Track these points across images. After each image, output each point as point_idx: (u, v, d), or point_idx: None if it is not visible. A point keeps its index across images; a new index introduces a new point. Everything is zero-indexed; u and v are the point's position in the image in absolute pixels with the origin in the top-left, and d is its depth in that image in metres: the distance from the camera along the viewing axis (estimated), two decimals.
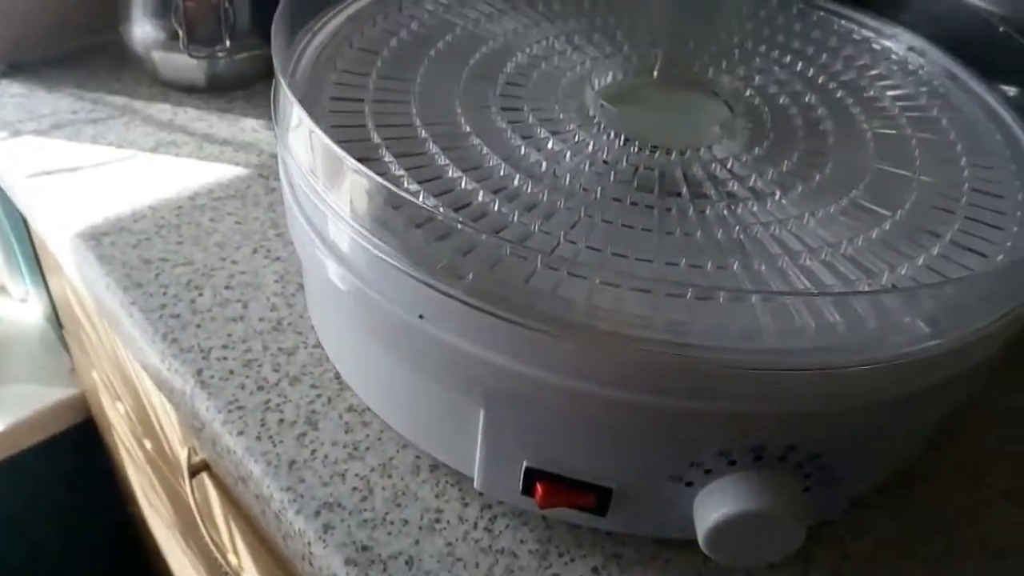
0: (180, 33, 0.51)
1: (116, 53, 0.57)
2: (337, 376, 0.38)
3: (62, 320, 0.79)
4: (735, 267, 0.30)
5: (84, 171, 0.49)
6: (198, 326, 0.41)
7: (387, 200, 0.28)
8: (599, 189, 0.33)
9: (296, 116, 0.30)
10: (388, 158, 0.33)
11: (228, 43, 0.52)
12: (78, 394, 0.84)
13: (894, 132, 0.38)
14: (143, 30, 0.53)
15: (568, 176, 0.33)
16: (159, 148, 0.51)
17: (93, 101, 0.54)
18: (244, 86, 0.55)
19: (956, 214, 0.34)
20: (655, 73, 0.40)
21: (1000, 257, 0.31)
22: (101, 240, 0.44)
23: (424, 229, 0.30)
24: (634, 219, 0.32)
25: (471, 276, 0.27)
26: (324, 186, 0.30)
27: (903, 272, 0.30)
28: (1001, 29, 0.40)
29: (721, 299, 0.27)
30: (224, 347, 0.40)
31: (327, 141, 0.28)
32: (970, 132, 0.38)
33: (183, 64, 0.52)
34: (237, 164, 0.50)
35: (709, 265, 0.30)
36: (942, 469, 0.38)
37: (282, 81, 0.31)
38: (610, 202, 0.33)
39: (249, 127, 0.53)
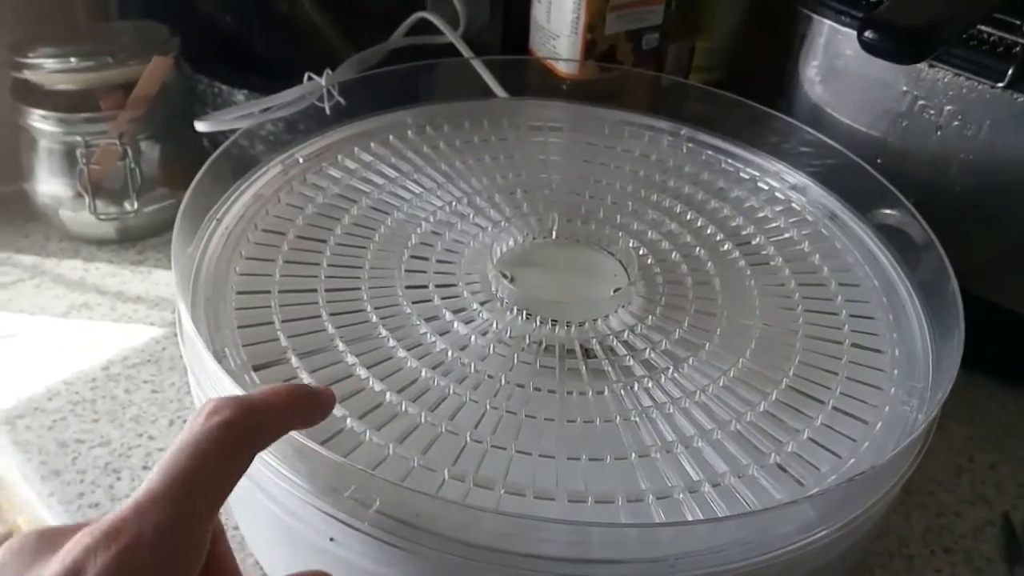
0: (86, 196, 0.51)
1: (23, 205, 0.57)
2: (258, 562, 0.38)
3: None
4: (632, 457, 0.32)
5: None
6: None
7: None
8: (503, 377, 0.34)
9: (199, 360, 0.31)
10: (295, 362, 0.34)
11: (136, 204, 0.52)
12: None
13: (780, 286, 0.40)
14: (49, 189, 0.52)
15: (473, 365, 0.34)
16: (71, 312, 0.50)
17: (1, 262, 0.53)
18: (156, 234, 0.55)
19: (838, 375, 0.36)
20: (553, 234, 0.42)
21: (879, 424, 0.34)
22: (15, 424, 0.44)
23: (331, 444, 0.31)
24: (537, 407, 0.33)
25: (378, 503, 0.28)
26: None
27: (790, 449, 0.32)
28: (868, 168, 0.43)
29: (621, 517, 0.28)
30: None
31: (230, 386, 0.29)
32: (850, 278, 0.41)
33: (91, 221, 0.52)
34: (151, 323, 0.50)
35: (608, 458, 0.31)
36: None
37: (185, 314, 0.32)
38: (514, 389, 0.34)
39: (163, 280, 0.53)
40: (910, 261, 0.40)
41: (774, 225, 0.44)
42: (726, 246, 0.42)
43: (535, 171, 0.47)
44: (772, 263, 0.41)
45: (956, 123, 0.47)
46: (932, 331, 0.37)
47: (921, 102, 0.47)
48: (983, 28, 0.45)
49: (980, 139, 0.46)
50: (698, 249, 0.42)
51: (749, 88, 0.63)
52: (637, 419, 0.33)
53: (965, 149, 0.47)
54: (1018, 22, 0.45)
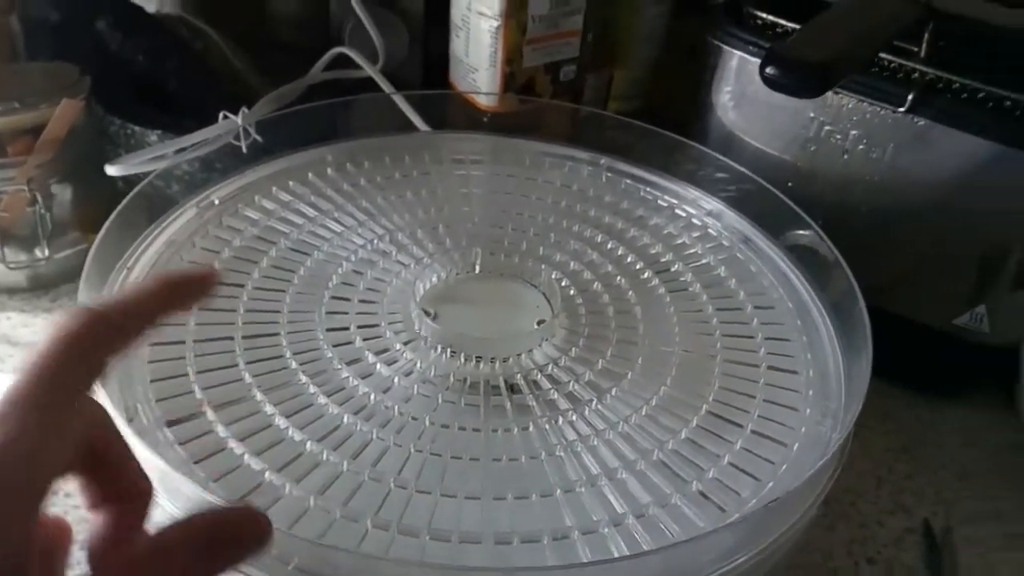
0: None
1: None
2: None
3: None
4: (557, 493, 0.32)
5: None
6: None
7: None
8: (427, 418, 0.34)
9: None
10: (210, 415, 0.33)
11: (47, 250, 0.50)
12: None
13: (699, 312, 0.41)
14: None
15: (396, 407, 0.34)
16: None
17: None
18: (70, 280, 0.54)
19: (756, 398, 0.37)
20: (477, 268, 0.42)
21: (796, 445, 0.35)
22: None
23: (249, 499, 0.30)
24: (462, 447, 0.33)
25: (296, 560, 0.27)
26: None
27: (711, 475, 0.33)
28: (777, 193, 0.44)
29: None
30: None
31: (140, 449, 0.28)
32: (765, 300, 0.42)
33: (1, 270, 0.50)
34: None
35: (534, 496, 0.32)
36: None
37: None
38: (439, 430, 0.34)
39: None
40: (820, 281, 0.42)
41: (692, 251, 0.45)
42: (646, 274, 0.43)
43: (457, 205, 0.47)
44: (690, 289, 0.42)
45: (861, 147, 0.48)
46: (844, 350, 0.38)
47: (828, 127, 0.49)
48: (883, 56, 0.48)
49: (885, 161, 0.48)
50: (619, 278, 0.42)
51: (668, 115, 0.64)
52: (562, 454, 0.33)
53: (871, 171, 0.49)
54: (915, 49, 0.47)
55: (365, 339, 0.37)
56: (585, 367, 0.37)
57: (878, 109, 0.47)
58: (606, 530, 0.30)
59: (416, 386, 0.35)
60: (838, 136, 0.49)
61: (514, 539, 0.30)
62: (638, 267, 0.43)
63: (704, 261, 0.44)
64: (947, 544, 0.44)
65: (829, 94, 0.48)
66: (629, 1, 0.64)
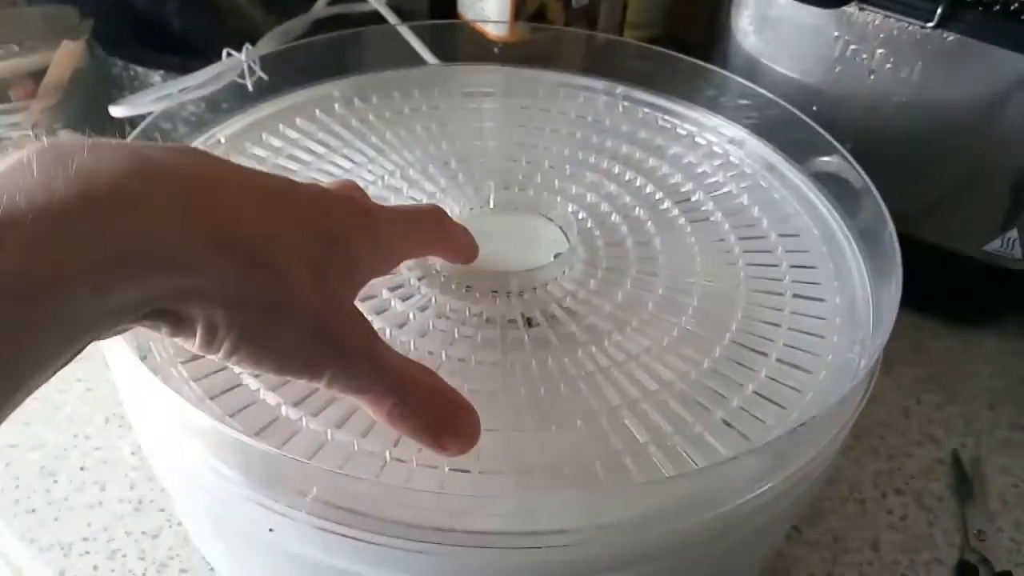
0: None
1: None
2: (204, 558, 0.37)
3: None
4: (578, 425, 0.31)
5: None
6: (55, 519, 0.39)
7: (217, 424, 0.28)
8: (443, 352, 0.33)
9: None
10: None
11: None
12: None
13: (721, 241, 0.40)
14: None
15: (412, 342, 0.33)
16: None
17: None
18: None
19: (781, 326, 0.36)
20: (491, 203, 0.41)
21: (823, 373, 0.34)
22: None
23: (265, 434, 0.30)
24: (480, 380, 0.32)
25: (315, 490, 0.27)
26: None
27: (735, 404, 0.32)
28: (802, 116, 0.42)
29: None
30: (85, 539, 0.38)
31: (155, 384, 0.28)
32: (789, 228, 0.41)
33: None
34: None
35: (554, 427, 0.31)
36: None
37: None
38: (456, 363, 0.33)
39: None
40: (848, 208, 0.40)
41: (713, 180, 0.43)
42: (666, 204, 0.42)
43: (469, 139, 0.45)
44: (712, 219, 0.41)
45: (889, 66, 0.46)
46: (872, 277, 0.37)
47: (853, 47, 0.47)
48: None
49: (913, 81, 0.46)
50: (637, 209, 0.41)
51: (687, 41, 0.62)
52: (582, 385, 0.32)
53: (899, 92, 0.47)
54: None
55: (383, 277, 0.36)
56: (604, 299, 0.36)
57: (905, 25, 0.45)
58: (627, 460, 0.30)
59: (432, 321, 0.34)
60: (864, 55, 0.47)
61: (534, 470, 0.29)
62: (657, 197, 0.42)
63: (726, 190, 0.43)
64: (977, 474, 0.44)
65: (854, 10, 0.46)
66: None
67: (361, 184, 0.41)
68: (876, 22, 0.46)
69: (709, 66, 0.47)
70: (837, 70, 0.48)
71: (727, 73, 0.46)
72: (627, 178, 0.43)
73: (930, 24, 0.44)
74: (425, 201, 0.40)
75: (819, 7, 0.43)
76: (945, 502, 0.42)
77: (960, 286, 0.51)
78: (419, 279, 0.36)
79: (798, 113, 0.42)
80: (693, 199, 0.42)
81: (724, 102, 0.47)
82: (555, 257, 0.38)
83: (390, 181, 0.42)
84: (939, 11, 0.43)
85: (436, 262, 0.37)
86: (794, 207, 0.42)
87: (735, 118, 0.46)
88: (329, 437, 0.30)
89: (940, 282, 0.51)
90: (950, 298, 0.52)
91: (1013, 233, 0.48)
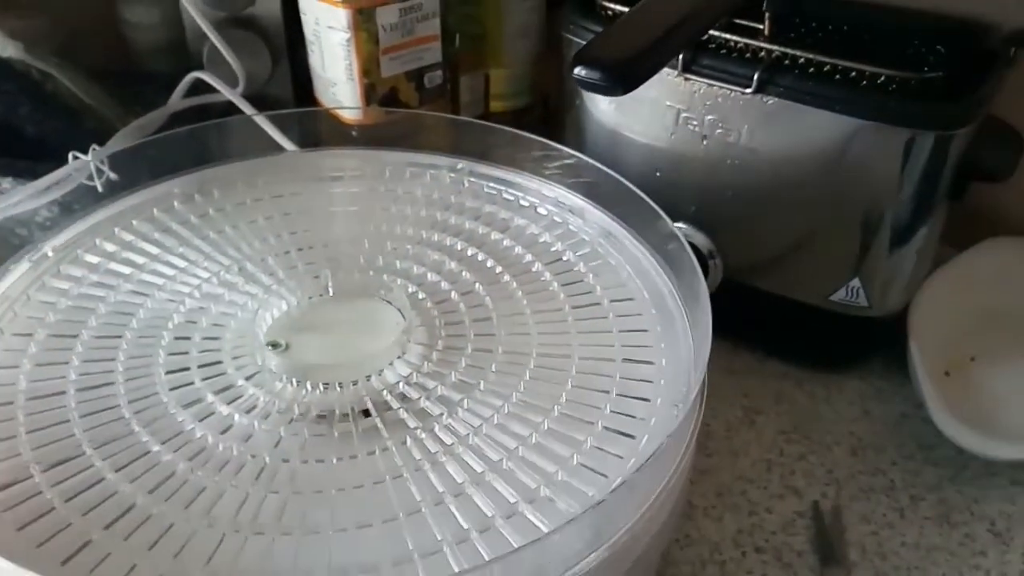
0: None
1: None
2: None
3: None
4: (401, 517, 0.31)
5: None
6: None
7: None
8: (265, 456, 0.33)
9: None
10: (37, 477, 0.31)
11: None
12: None
13: (557, 311, 0.40)
14: None
15: (235, 447, 0.33)
16: None
17: None
18: None
19: (610, 392, 0.36)
20: (330, 290, 0.41)
21: (645, 438, 0.34)
22: None
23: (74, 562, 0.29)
24: (303, 481, 0.32)
25: None
26: None
27: (560, 478, 0.32)
28: (630, 187, 0.44)
29: None
30: None
31: None
32: (623, 293, 0.42)
33: None
34: None
35: (376, 523, 0.30)
36: None
37: None
38: (279, 465, 0.33)
39: None
40: (676, 269, 0.41)
41: (552, 250, 0.44)
42: (505, 278, 0.42)
43: (315, 225, 0.46)
44: (549, 288, 0.42)
45: (719, 131, 0.48)
46: (695, 335, 0.38)
47: (684, 114, 0.49)
48: (729, 36, 0.48)
49: (742, 144, 0.48)
50: (477, 285, 0.41)
51: (558, 108, 0.63)
52: (407, 475, 0.32)
53: (731, 154, 0.49)
54: (760, 27, 0.47)
55: (205, 378, 0.36)
56: (436, 381, 0.36)
57: (728, 92, 0.47)
58: (447, 549, 0.29)
59: (256, 423, 0.34)
60: (695, 123, 0.49)
61: (351, 570, 0.29)
62: (498, 271, 0.43)
63: (564, 259, 0.44)
64: (836, 525, 0.44)
65: (680, 80, 0.48)
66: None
67: (195, 282, 0.41)
68: (702, 90, 0.48)
69: (547, 141, 0.48)
70: (673, 136, 0.50)
71: (563, 148, 0.47)
72: (469, 253, 0.44)
73: (749, 89, 0.46)
74: (260, 295, 0.40)
75: (610, 95, 0.45)
76: (805, 556, 0.42)
77: (817, 335, 0.53)
78: (247, 379, 0.36)
79: (626, 183, 0.43)
80: (533, 270, 0.43)
81: (564, 173, 0.48)
82: (392, 341, 0.38)
83: (225, 277, 0.41)
84: (756, 76, 0.45)
85: (265, 360, 0.36)
86: (628, 272, 0.43)
87: (576, 188, 0.47)
88: (138, 563, 0.29)
89: (797, 332, 0.53)
90: (810, 347, 0.54)
91: (855, 282, 0.50)
